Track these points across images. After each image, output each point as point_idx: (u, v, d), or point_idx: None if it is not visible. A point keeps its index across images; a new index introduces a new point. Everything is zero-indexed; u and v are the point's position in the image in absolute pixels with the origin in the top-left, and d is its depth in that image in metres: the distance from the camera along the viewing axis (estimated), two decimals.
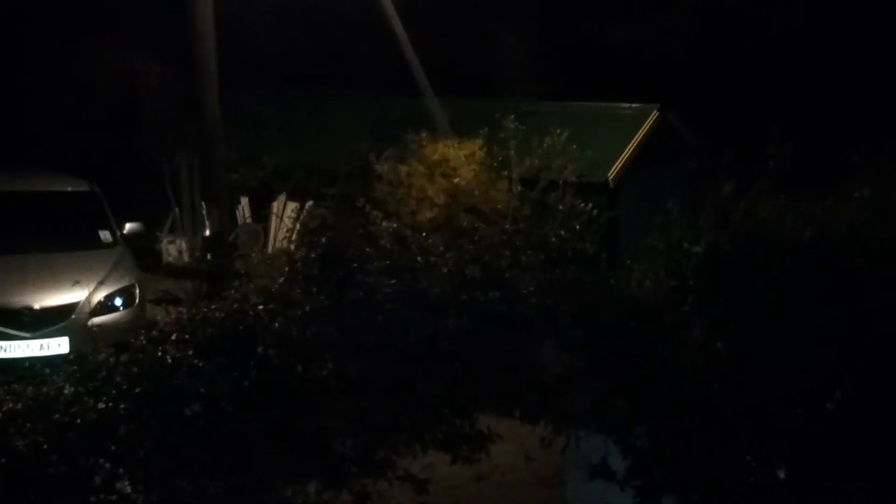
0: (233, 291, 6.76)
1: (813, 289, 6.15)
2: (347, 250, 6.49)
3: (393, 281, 6.37)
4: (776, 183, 7.05)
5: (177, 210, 14.16)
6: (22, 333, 9.88)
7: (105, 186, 11.87)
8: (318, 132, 14.62)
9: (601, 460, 6.25)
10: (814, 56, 15.56)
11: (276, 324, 6.06)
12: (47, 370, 6.14)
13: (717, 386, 6.11)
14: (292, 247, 12.04)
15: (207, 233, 11.67)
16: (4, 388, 5.99)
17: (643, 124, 12.64)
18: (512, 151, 11.25)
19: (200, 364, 5.79)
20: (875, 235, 6.24)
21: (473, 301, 6.35)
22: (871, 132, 8.58)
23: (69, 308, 10.13)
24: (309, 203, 13.20)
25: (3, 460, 5.32)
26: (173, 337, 6.14)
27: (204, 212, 11.72)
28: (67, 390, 5.73)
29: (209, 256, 10.90)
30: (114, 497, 5.27)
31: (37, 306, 10.02)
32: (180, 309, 6.94)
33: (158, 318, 6.97)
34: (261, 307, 6.23)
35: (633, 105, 13.09)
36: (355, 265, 6.37)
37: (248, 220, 13.76)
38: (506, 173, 11.22)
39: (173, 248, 13.93)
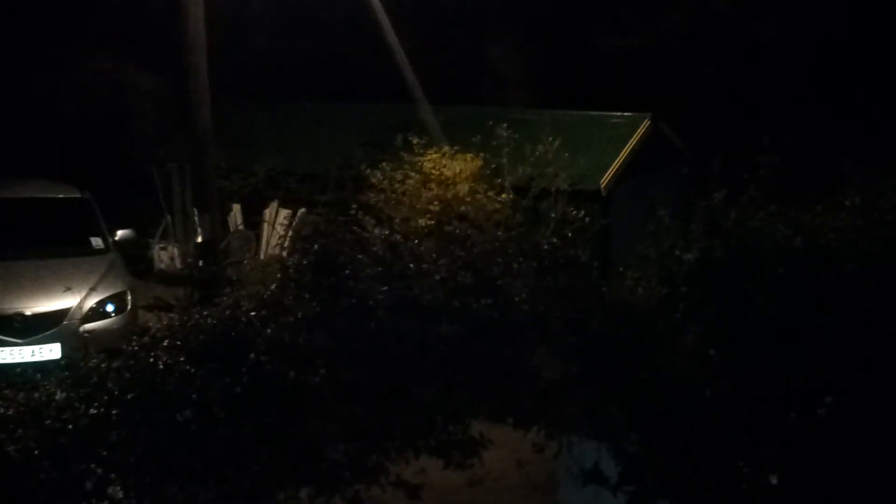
0: (225, 298, 6.75)
1: (804, 295, 6.19)
2: (339, 257, 6.48)
3: (385, 287, 6.37)
4: (767, 191, 7.10)
5: (168, 217, 14.13)
6: (13, 339, 9.85)
7: (97, 193, 11.85)
8: (310, 140, 14.64)
9: (594, 466, 6.26)
10: (805, 66, 15.65)
11: (269, 330, 6.05)
12: (39, 376, 6.13)
13: (710, 392, 6.14)
14: (284, 254, 12.04)
15: (199, 239, 11.64)
16: None
17: (635, 133, 12.67)
18: (504, 159, 11.27)
19: (192, 370, 5.78)
20: (867, 241, 6.28)
21: (466, 308, 6.35)
22: (861, 141, 8.65)
23: (61, 314, 10.10)
24: (301, 210, 13.20)
25: None
26: (165, 343, 6.13)
27: (196, 219, 11.68)
28: (59, 396, 5.71)
29: (201, 263, 10.88)
30: (105, 503, 5.25)
31: (28, 312, 9.99)
32: (172, 315, 6.93)
33: (150, 324, 6.96)
34: (253, 313, 6.22)
35: (625, 114, 13.13)
36: (347, 272, 6.37)
37: (240, 227, 13.74)
38: (498, 181, 11.23)
39: (165, 255, 13.90)
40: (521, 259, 7.05)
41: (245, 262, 11.54)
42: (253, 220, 13.77)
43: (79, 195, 11.71)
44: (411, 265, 6.57)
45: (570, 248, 7.50)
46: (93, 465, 5.34)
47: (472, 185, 11.09)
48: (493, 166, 11.42)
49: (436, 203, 11.07)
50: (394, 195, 11.44)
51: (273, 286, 6.62)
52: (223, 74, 12.07)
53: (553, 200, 10.67)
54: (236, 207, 13.87)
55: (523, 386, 6.36)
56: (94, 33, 15.79)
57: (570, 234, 8.29)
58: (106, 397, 5.65)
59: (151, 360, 5.94)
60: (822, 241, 6.41)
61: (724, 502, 5.78)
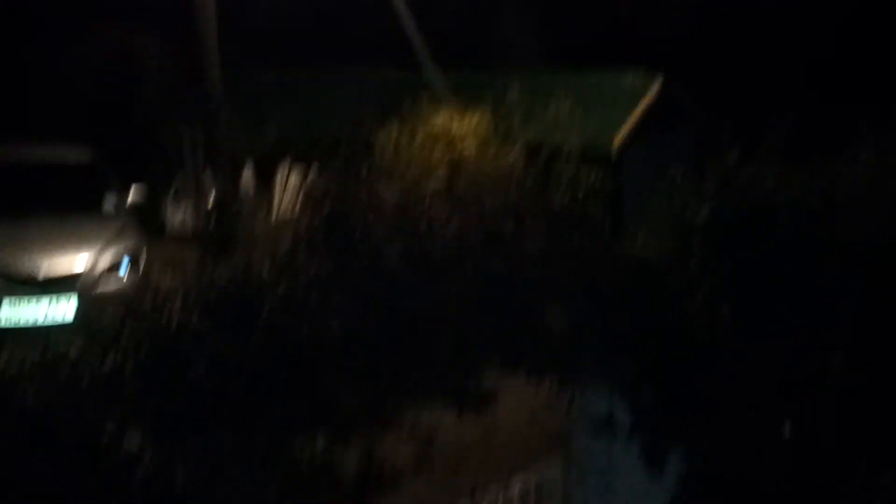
0: (237, 257, 6.80)
1: (816, 252, 6.20)
2: (351, 216, 6.52)
3: (397, 247, 6.40)
4: (779, 149, 7.09)
5: (180, 179, 14.17)
6: (28, 300, 9.91)
7: (109, 155, 11.87)
8: (320, 103, 14.62)
9: (606, 416, 6.32)
10: (817, 24, 15.51)
11: (281, 288, 6.09)
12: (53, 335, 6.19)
13: (721, 346, 6.18)
14: (296, 216, 12.06)
15: (211, 201, 11.69)
16: (12, 349, 6.04)
17: (646, 93, 12.62)
18: (515, 121, 11.24)
19: (206, 328, 5.83)
20: (880, 198, 6.28)
21: (477, 266, 6.38)
22: (875, 99, 8.59)
23: (74, 274, 10.15)
24: (312, 173, 13.20)
25: (13, 419, 5.37)
26: (178, 301, 6.18)
27: (208, 181, 11.71)
28: (74, 351, 5.77)
29: (213, 224, 10.92)
30: (122, 455, 5.31)
31: (42, 273, 10.03)
32: (185, 274, 6.98)
33: (163, 285, 7.00)
34: (265, 272, 6.26)
35: (637, 74, 13.06)
36: (359, 231, 6.40)
37: (252, 191, 13.77)
38: (509, 142, 11.20)
39: (178, 217, 13.95)
40: (531, 218, 7.08)
41: (256, 225, 11.55)
42: (264, 182, 13.78)
43: (91, 157, 11.74)
44: (422, 225, 6.60)
45: (582, 208, 7.53)
46: (109, 419, 5.39)
47: (482, 146, 11.06)
48: (504, 127, 11.39)
49: (446, 165, 11.06)
50: (403, 158, 11.42)
51: (285, 246, 6.66)
52: (233, 37, 12.05)
53: (564, 162, 10.64)
54: (247, 169, 13.89)
55: (536, 340, 6.41)
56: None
57: (580, 195, 8.29)
58: (121, 353, 5.70)
59: (165, 317, 5.99)
60: (835, 198, 6.41)
61: (734, 451, 5.83)
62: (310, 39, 16.87)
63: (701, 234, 6.69)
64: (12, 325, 9.50)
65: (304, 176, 13.13)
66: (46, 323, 9.61)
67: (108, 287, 10.02)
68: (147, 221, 12.44)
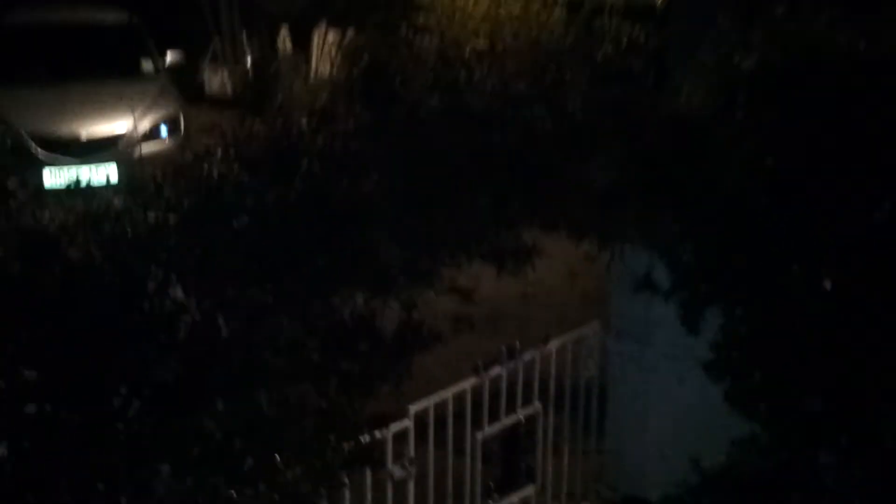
0: (275, 112, 6.74)
1: (867, 101, 6.01)
2: (390, 66, 6.41)
3: (437, 97, 6.30)
4: None
5: (217, 39, 14.04)
6: (70, 161, 10.00)
7: (145, 16, 11.78)
8: None
9: (646, 275, 6.30)
10: None
11: (320, 139, 6.05)
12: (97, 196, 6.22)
13: (766, 200, 6.07)
14: (334, 73, 11.95)
15: (249, 62, 11.60)
16: (55, 210, 6.09)
17: None
18: None
19: (246, 179, 5.83)
20: None
21: (518, 116, 6.28)
22: None
23: (116, 136, 10.21)
24: (350, 32, 13.00)
25: (58, 270, 5.44)
26: (218, 159, 6.16)
27: (245, 42, 11.59)
28: (117, 204, 5.80)
29: (251, 86, 10.88)
30: (167, 302, 5.38)
31: (84, 135, 10.12)
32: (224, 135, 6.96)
33: (203, 145, 6.99)
34: (304, 123, 6.21)
35: None
36: (398, 80, 6.30)
37: (289, 49, 13.64)
38: None
39: (216, 80, 13.88)
40: (574, 69, 6.92)
41: (295, 84, 11.47)
42: (301, 41, 13.62)
43: (128, 18, 11.64)
44: (463, 74, 6.48)
45: (625, 60, 7.35)
46: (153, 268, 5.44)
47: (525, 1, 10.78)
48: None
49: (487, 22, 10.82)
50: (443, 14, 11.18)
51: (323, 97, 6.59)
52: None
53: (607, 15, 10.36)
54: (284, 29, 13.72)
55: (576, 195, 6.34)
56: None
57: (624, 47, 8.08)
58: (163, 204, 5.72)
59: (205, 175, 5.99)
60: (887, 48, 6.19)
61: (776, 307, 5.79)
62: None
63: (747, 86, 6.51)
64: (56, 186, 9.62)
65: (342, 34, 12.96)
66: (90, 185, 9.70)
67: (149, 149, 10.08)
68: (185, 84, 12.42)
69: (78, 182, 9.49)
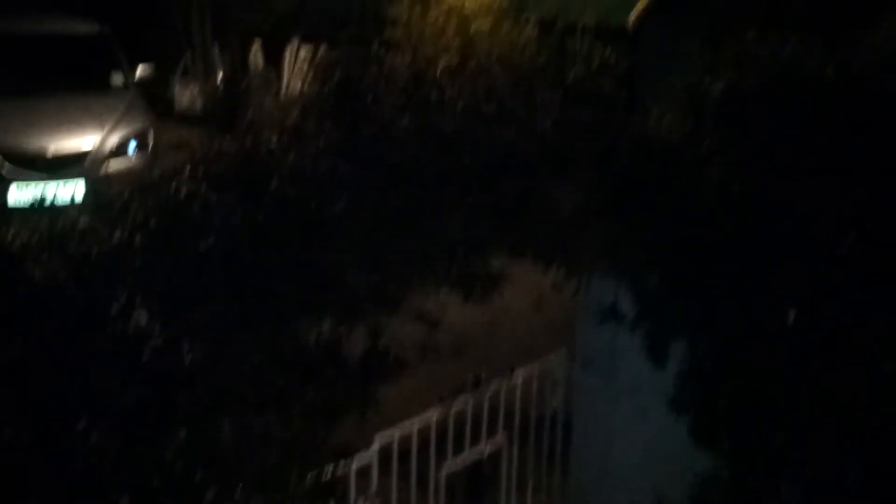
0: (245, 128, 6.70)
1: (835, 126, 6.05)
2: (361, 84, 6.38)
3: (407, 116, 6.27)
4: (799, 20, 6.88)
5: (189, 54, 13.95)
6: (36, 177, 9.87)
7: (116, 28, 11.67)
8: None
9: (611, 304, 6.27)
10: None
11: (290, 158, 6.00)
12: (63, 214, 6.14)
13: (733, 226, 6.08)
14: (306, 89, 11.92)
15: (220, 78, 11.52)
16: (20, 228, 6.00)
17: None
18: None
19: (214, 198, 5.76)
20: None
21: (489, 137, 6.26)
22: None
23: (84, 152, 10.09)
24: (322, 48, 12.98)
25: (20, 291, 5.35)
26: (187, 172, 6.10)
27: (216, 56, 11.51)
28: (82, 223, 5.71)
29: (221, 101, 10.81)
30: (131, 327, 5.31)
31: (51, 149, 9.98)
32: (193, 151, 6.90)
33: (171, 162, 6.92)
34: (274, 141, 6.16)
35: None
36: (369, 99, 6.27)
37: (261, 66, 13.57)
38: (523, 16, 10.96)
39: (186, 95, 13.79)
40: (544, 91, 6.92)
41: (266, 99, 11.41)
42: (273, 57, 13.57)
43: (98, 30, 11.52)
44: (434, 94, 6.46)
45: (596, 82, 7.35)
46: (118, 291, 5.37)
47: (496, 19, 10.82)
48: (519, 1, 11.13)
49: (458, 39, 10.85)
50: (415, 31, 11.20)
51: (294, 115, 6.55)
52: None
53: (579, 36, 10.39)
54: (257, 45, 13.66)
55: (544, 220, 6.32)
56: None
57: (595, 69, 8.10)
58: (129, 224, 5.65)
59: (173, 193, 5.92)
60: (856, 68, 6.23)
61: (741, 339, 5.80)
62: None
63: (716, 110, 6.54)
64: (21, 206, 9.47)
65: (315, 50, 12.92)
66: (55, 202, 9.56)
67: (117, 166, 9.95)
68: (155, 98, 12.32)
69: (44, 199, 9.36)
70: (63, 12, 11.76)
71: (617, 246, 6.35)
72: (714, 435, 5.59)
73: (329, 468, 5.20)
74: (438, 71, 7.31)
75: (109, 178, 9.34)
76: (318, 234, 5.79)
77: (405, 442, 6.03)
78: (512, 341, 6.60)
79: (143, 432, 4.35)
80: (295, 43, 13.16)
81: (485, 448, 6.57)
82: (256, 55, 13.42)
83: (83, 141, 10.01)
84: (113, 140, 10.19)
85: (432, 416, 6.22)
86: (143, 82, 11.19)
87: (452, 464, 6.40)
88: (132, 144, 10.34)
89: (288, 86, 13.15)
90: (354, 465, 5.73)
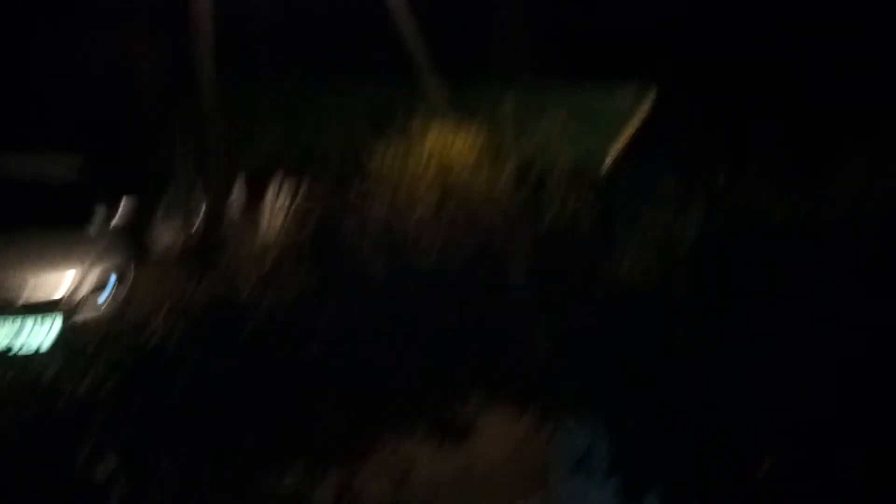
0: (222, 273, 6.73)
1: (803, 274, 6.12)
2: (339, 228, 6.45)
3: (384, 260, 6.33)
4: (769, 169, 7.03)
5: (171, 194, 14.07)
6: (8, 324, 9.75)
7: (97, 168, 11.75)
8: (315, 115, 14.53)
9: (584, 454, 6.18)
10: (806, 41, 15.51)
11: (266, 304, 6.01)
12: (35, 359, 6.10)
13: (709, 374, 6.08)
14: (285, 230, 12.00)
15: (201, 218, 11.58)
16: None
17: (638, 110, 12.58)
18: (507, 137, 11.18)
19: (186, 346, 5.75)
20: (867, 219, 6.21)
21: (465, 281, 6.31)
22: (864, 118, 8.55)
23: (57, 294, 10.01)
24: (303, 187, 13.12)
25: None
26: (159, 318, 6.10)
27: (198, 197, 11.61)
28: (51, 371, 5.67)
29: (201, 241, 10.83)
30: (98, 479, 5.22)
31: (23, 293, 9.86)
32: (169, 292, 6.90)
33: (148, 306, 6.91)
34: (250, 287, 6.19)
35: (629, 90, 13.03)
36: (346, 243, 6.34)
37: (242, 206, 13.69)
38: (501, 160, 11.14)
39: (166, 234, 13.84)
40: (520, 235, 7.01)
41: (246, 239, 11.47)
42: (255, 197, 13.70)
43: (78, 170, 11.57)
44: (411, 238, 6.53)
45: (571, 225, 7.46)
46: (85, 442, 5.29)
47: (474, 162, 11.00)
48: (496, 144, 11.32)
49: (437, 180, 10.99)
50: (396, 171, 11.36)
51: (271, 259, 6.60)
52: (230, 48, 11.99)
53: (555, 178, 10.59)
54: (239, 185, 13.80)
55: (520, 364, 6.31)
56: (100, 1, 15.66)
57: (570, 213, 8.23)
58: (98, 373, 5.61)
59: (145, 335, 5.91)
60: (823, 219, 6.35)
61: (718, 491, 5.72)
62: (308, 48, 16.81)
63: (689, 256, 6.61)
64: None
65: (296, 190, 13.06)
66: (28, 347, 9.42)
67: (93, 309, 9.85)
68: (135, 238, 12.36)
69: (16, 343, 9.28)
70: (43, 151, 11.84)
71: (592, 390, 6.33)
72: None
73: None
74: (417, 214, 7.42)
75: (85, 322, 9.23)
76: (291, 382, 5.76)
77: None
78: (484, 491, 6.47)
79: None
80: (278, 182, 13.31)
81: None
82: (238, 193, 13.56)
83: (59, 284, 9.92)
84: (89, 282, 10.11)
85: None
86: (123, 221, 11.20)
87: None
88: (109, 286, 10.27)
89: (269, 224, 13.26)
90: None
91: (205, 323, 5.92)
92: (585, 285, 6.58)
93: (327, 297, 6.25)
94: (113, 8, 15.69)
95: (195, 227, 11.68)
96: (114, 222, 10.96)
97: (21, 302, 9.55)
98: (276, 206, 13.24)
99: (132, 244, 11.25)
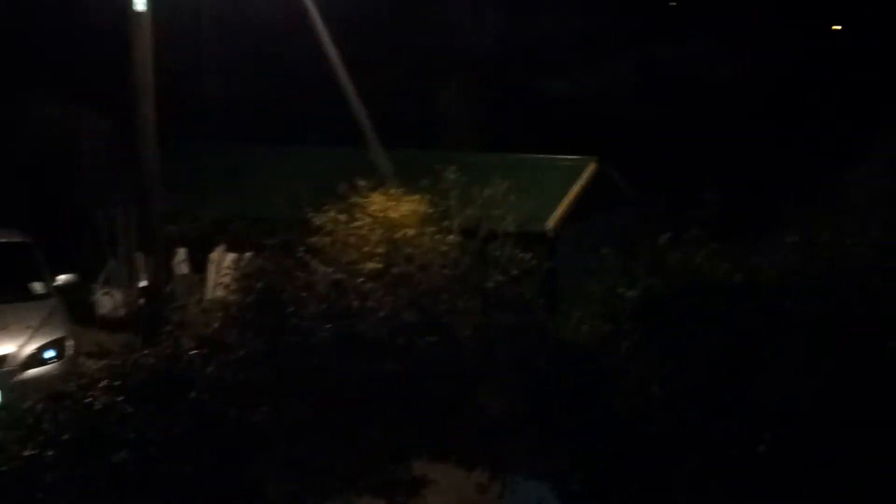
0: (166, 338, 6.67)
1: (745, 332, 6.24)
2: (284, 294, 6.44)
3: (329, 325, 6.33)
4: (709, 230, 7.18)
5: (112, 261, 13.94)
6: None
7: (38, 237, 11.65)
8: (258, 184, 14.57)
9: None
10: (746, 109, 15.97)
11: (210, 368, 5.97)
12: None
13: (654, 429, 6.14)
14: (229, 296, 11.93)
15: (143, 284, 11.48)
16: None
17: (581, 175, 12.80)
18: (452, 202, 11.28)
19: (130, 410, 5.68)
20: (805, 278, 6.36)
21: (410, 345, 6.32)
22: (799, 182, 8.81)
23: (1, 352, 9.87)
24: (248, 254, 13.07)
25: None
26: (103, 383, 6.03)
27: (140, 263, 11.53)
28: None
29: (144, 307, 10.72)
30: None
31: None
32: (112, 356, 6.83)
33: (90, 371, 6.83)
34: (194, 352, 6.15)
35: (572, 157, 13.27)
36: (291, 309, 6.32)
37: (186, 272, 13.59)
38: (446, 224, 11.23)
39: (108, 300, 13.68)
40: (466, 297, 7.05)
41: (189, 306, 11.38)
42: (199, 263, 13.62)
43: (20, 239, 11.51)
44: (356, 303, 6.54)
45: (516, 288, 7.52)
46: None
47: (420, 227, 11.06)
48: (441, 209, 11.41)
49: (383, 245, 11.03)
50: (340, 238, 11.37)
51: (216, 324, 6.56)
52: (172, 116, 11.99)
53: (500, 242, 10.69)
54: (182, 251, 13.71)
55: (467, 424, 6.32)
56: (38, 75, 15.66)
57: (516, 274, 8.30)
58: (41, 438, 5.52)
59: (89, 400, 5.84)
60: (762, 279, 6.49)
61: None
62: (251, 117, 16.93)
63: (633, 315, 6.71)
64: None
65: (240, 256, 13.01)
66: None
67: (34, 374, 9.73)
68: (76, 305, 12.23)
69: None
70: None
71: (540, 448, 6.35)
72: None
73: None
74: (362, 278, 7.44)
75: (25, 387, 9.08)
76: (238, 444, 5.72)
77: None
78: None
79: None
80: (220, 250, 13.26)
81: None
82: (181, 261, 13.48)
83: (0, 348, 9.82)
84: (31, 348, 10.00)
85: None
86: (64, 289, 11.12)
87: None
88: (50, 352, 10.16)
89: (212, 290, 13.16)
90: None
91: (151, 385, 5.86)
92: (532, 345, 6.62)
93: (273, 360, 6.23)
94: (53, 81, 15.72)
95: (137, 293, 11.57)
96: (55, 288, 10.90)
97: None
98: (220, 271, 13.18)
99: (74, 309, 11.17)
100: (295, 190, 13.00)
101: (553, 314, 8.00)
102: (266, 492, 5.58)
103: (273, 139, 15.87)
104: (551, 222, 11.90)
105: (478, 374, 6.40)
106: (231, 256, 13.29)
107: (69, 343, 10.29)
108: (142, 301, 11.05)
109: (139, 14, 10.67)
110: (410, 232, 10.97)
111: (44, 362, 10.03)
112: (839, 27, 19.53)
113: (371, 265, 10.66)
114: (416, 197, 11.34)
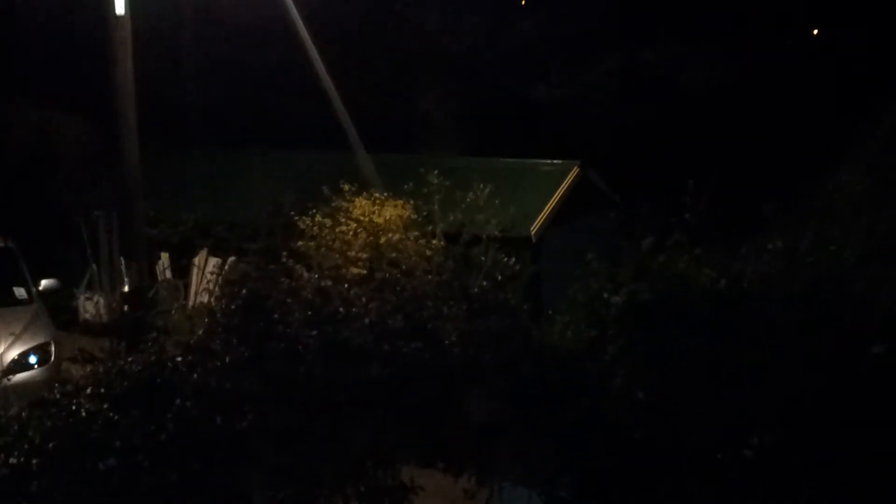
0: (150, 344, 6.63)
1: (728, 337, 6.27)
2: (268, 300, 6.42)
3: (314, 331, 6.31)
4: (692, 235, 7.22)
5: (94, 266, 13.87)
6: None
7: (21, 242, 11.59)
8: (241, 188, 14.57)
9: None
10: (729, 114, 16.05)
11: (195, 375, 5.95)
12: None
13: (639, 434, 6.17)
14: (213, 302, 11.89)
15: (126, 289, 11.44)
16: None
17: (564, 180, 12.86)
18: (436, 206, 11.30)
19: (116, 417, 5.66)
20: (787, 284, 6.41)
21: (396, 351, 6.32)
22: (782, 187, 8.88)
23: None
24: (231, 258, 13.06)
25: None
26: (88, 390, 5.99)
27: (123, 268, 11.48)
28: None
29: (127, 311, 10.68)
30: None
31: None
32: (97, 363, 6.79)
33: (73, 375, 6.80)
34: (179, 359, 6.12)
35: (555, 162, 13.32)
36: (276, 315, 6.30)
37: (169, 276, 13.54)
38: (430, 228, 11.25)
39: (91, 305, 13.62)
40: (451, 302, 7.05)
41: (173, 311, 11.34)
42: (182, 268, 13.58)
43: (1, 244, 11.45)
44: (341, 309, 6.53)
45: (501, 292, 7.53)
46: None
47: (404, 231, 11.09)
48: (425, 213, 11.44)
49: (367, 250, 11.04)
50: (325, 242, 11.38)
51: (200, 331, 6.53)
52: (153, 121, 11.96)
53: (484, 247, 10.71)
54: (165, 256, 13.67)
55: (454, 429, 6.33)
56: (18, 80, 15.58)
57: (500, 279, 8.30)
58: (27, 446, 5.49)
59: (74, 407, 5.80)
60: (746, 284, 6.53)
61: None
62: (235, 122, 16.90)
63: (618, 320, 6.73)
64: None
65: (223, 261, 12.99)
66: None
67: (17, 379, 9.69)
68: (60, 310, 12.18)
69: None
70: None
71: (527, 453, 6.37)
72: None
73: None
74: (346, 284, 7.42)
75: (9, 393, 9.04)
76: (223, 451, 5.70)
77: None
78: None
79: None
80: (203, 254, 13.23)
81: None
82: (164, 266, 13.44)
83: None
84: (13, 353, 9.98)
85: None
86: (46, 294, 11.07)
87: None
88: (33, 357, 10.12)
89: (196, 297, 13.13)
90: None
91: (135, 390, 5.83)
92: (517, 350, 6.64)
93: (259, 367, 6.21)
94: (34, 86, 15.64)
95: (120, 298, 11.52)
96: (38, 293, 10.86)
97: None
98: (204, 275, 13.15)
99: (58, 314, 11.14)
100: (276, 194, 13.02)
101: (538, 319, 8.02)
102: (253, 499, 5.56)
103: (256, 144, 15.86)
104: (534, 227, 11.95)
105: (464, 379, 6.40)
106: (214, 261, 13.27)
107: (52, 348, 10.26)
108: (125, 307, 11.00)
109: (119, 18, 10.65)
110: (395, 237, 11.00)
111: (27, 367, 9.99)
112: (816, 31, 19.68)
113: (356, 270, 10.69)
114: (400, 201, 11.37)
